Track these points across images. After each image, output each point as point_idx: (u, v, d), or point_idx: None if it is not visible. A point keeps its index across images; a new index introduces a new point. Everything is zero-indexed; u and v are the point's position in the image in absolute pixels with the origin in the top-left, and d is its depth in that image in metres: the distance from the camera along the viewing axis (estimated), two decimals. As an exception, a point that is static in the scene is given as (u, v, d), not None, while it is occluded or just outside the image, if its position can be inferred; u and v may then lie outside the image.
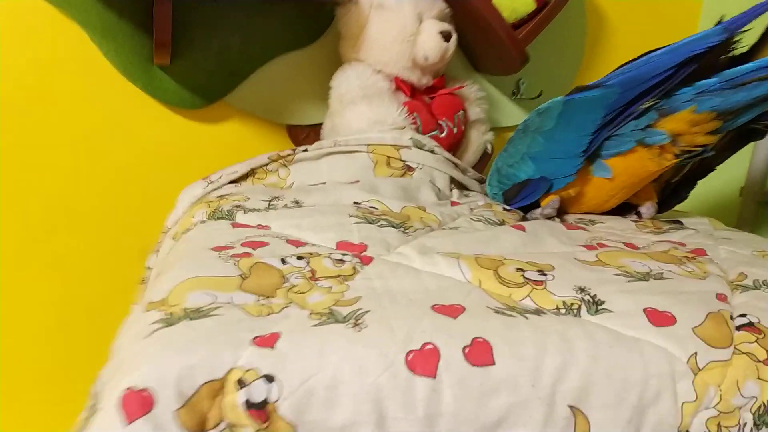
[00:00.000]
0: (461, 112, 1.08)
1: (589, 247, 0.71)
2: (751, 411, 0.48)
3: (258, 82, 1.09)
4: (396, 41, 1.01)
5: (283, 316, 0.47)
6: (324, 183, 0.86)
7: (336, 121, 1.01)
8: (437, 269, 0.58)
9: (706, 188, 1.34)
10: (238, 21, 1.04)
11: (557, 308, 0.53)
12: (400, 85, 1.03)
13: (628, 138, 0.81)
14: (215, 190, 0.85)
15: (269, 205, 0.74)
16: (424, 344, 0.45)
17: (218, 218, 0.70)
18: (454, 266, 0.58)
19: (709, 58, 0.77)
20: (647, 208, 0.92)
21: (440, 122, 1.04)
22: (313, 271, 0.55)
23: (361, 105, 0.97)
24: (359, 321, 0.47)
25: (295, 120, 1.13)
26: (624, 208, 0.93)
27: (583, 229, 0.81)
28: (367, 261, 0.59)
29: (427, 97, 1.07)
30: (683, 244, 0.77)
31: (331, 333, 0.45)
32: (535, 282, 0.56)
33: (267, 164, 0.90)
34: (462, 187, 1.00)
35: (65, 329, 1.08)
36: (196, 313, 0.47)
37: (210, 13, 1.02)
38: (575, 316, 0.52)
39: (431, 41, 1.00)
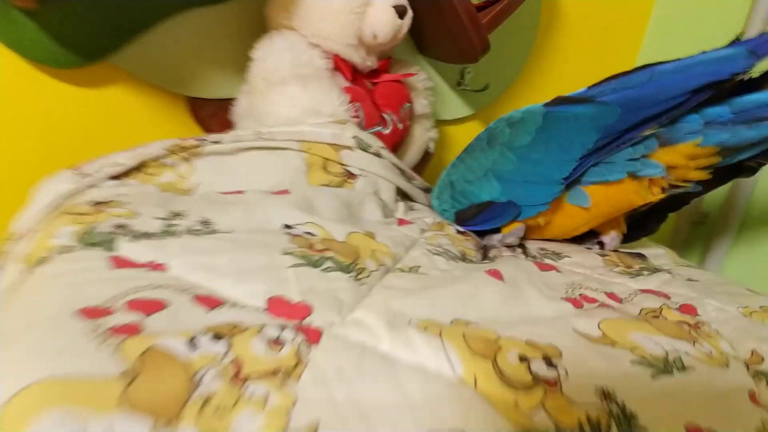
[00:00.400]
0: (408, 104, 0.91)
1: (575, 303, 0.58)
2: None
3: (155, 41, 0.86)
4: (341, 12, 0.81)
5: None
6: (242, 192, 0.66)
7: (257, 103, 0.81)
8: (416, 356, 0.42)
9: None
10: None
11: (581, 426, 0.39)
12: (340, 65, 0.84)
13: (619, 167, 0.69)
14: (90, 188, 0.63)
15: (167, 225, 0.53)
16: None
17: (91, 245, 0.49)
18: (439, 352, 0.42)
19: (729, 82, 0.64)
20: (611, 239, 0.82)
21: (384, 115, 0.87)
22: (237, 364, 0.37)
23: (294, 86, 0.77)
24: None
25: (199, 92, 0.91)
26: (585, 234, 0.81)
27: (556, 270, 0.69)
28: (314, 338, 0.41)
29: (369, 83, 0.89)
30: (667, 296, 0.67)
31: None
32: (547, 382, 0.41)
33: (164, 156, 0.68)
34: (406, 196, 0.84)
35: None
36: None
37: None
38: (607, 442, 0.38)
39: (384, 16, 0.82)
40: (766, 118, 0.64)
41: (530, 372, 0.42)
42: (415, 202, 0.84)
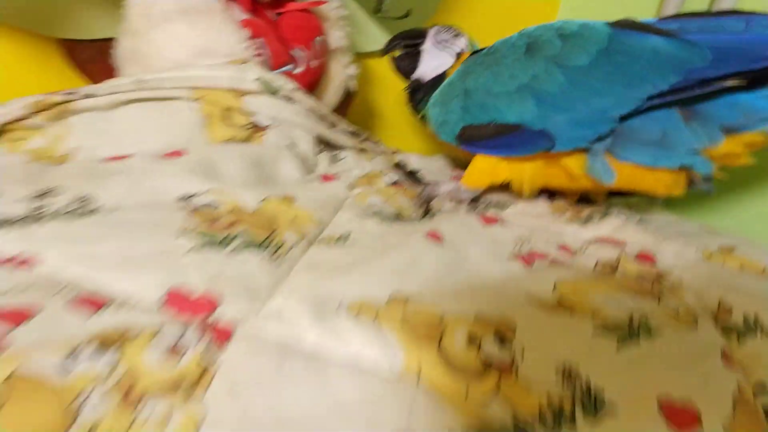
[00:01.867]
0: (320, 37, 0.86)
1: (526, 260, 0.57)
2: None
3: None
4: (231, -74, 0.74)
5: None
6: (127, 156, 0.60)
7: (139, 44, 0.73)
8: (347, 348, 0.39)
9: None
10: None
11: (542, 417, 0.37)
12: (236, -5, 0.77)
13: (676, 157, 0.63)
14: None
15: (36, 209, 0.47)
16: None
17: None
18: (375, 340, 0.39)
19: None
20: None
21: (293, 53, 0.81)
22: (129, 380, 0.33)
23: (179, 23, 0.70)
24: None
25: (74, 33, 0.82)
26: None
27: (500, 221, 0.67)
28: (223, 338, 0.38)
29: (272, 15, 0.83)
30: (621, 243, 0.67)
31: None
32: (501, 365, 0.40)
33: (27, 116, 0.61)
34: (328, 146, 0.80)
35: None
36: None
37: None
38: (571, 429, 0.36)
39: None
40: None
41: (481, 355, 0.40)
42: (339, 149, 0.80)
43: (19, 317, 0.36)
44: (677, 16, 0.66)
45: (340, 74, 0.93)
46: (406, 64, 0.82)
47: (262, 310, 0.41)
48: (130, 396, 0.32)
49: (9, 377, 0.31)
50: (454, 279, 0.51)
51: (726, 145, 0.63)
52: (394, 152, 0.91)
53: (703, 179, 0.67)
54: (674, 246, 0.68)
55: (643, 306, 0.50)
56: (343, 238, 0.55)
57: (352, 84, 0.97)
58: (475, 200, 0.75)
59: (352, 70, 0.96)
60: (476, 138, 0.69)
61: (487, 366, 0.39)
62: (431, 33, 0.81)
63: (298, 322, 0.40)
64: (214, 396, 0.33)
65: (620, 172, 0.65)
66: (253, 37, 0.75)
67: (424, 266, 0.51)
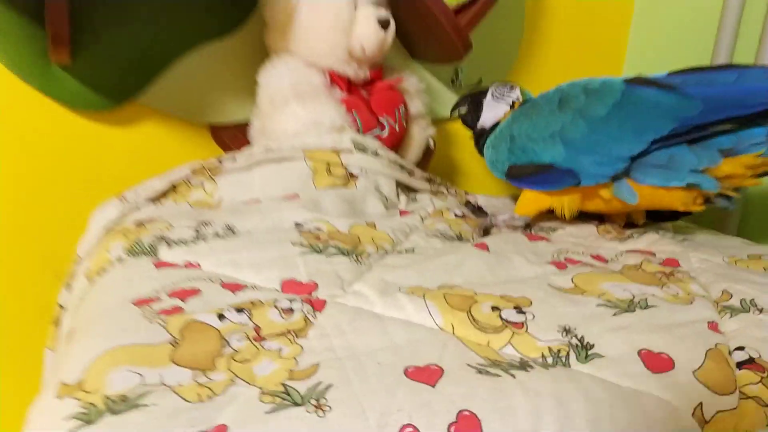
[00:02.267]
0: (402, 107, 1.01)
1: (559, 265, 0.66)
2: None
3: (174, 77, 0.97)
4: (330, 30, 0.91)
5: (228, 398, 0.39)
6: (258, 200, 0.76)
7: (266, 123, 0.91)
8: (403, 314, 0.51)
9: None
10: (147, 9, 0.92)
11: (543, 357, 0.47)
12: (336, 79, 0.94)
13: (681, 176, 0.70)
14: (132, 211, 0.74)
15: (197, 234, 0.64)
16: (403, 428, 0.38)
17: (138, 254, 0.60)
18: (422, 309, 0.51)
19: None
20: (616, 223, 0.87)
21: (381, 120, 0.96)
22: (257, 328, 0.47)
23: (295, 105, 0.87)
24: (321, 402, 0.39)
25: (218, 119, 1.02)
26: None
27: (546, 239, 0.77)
28: (319, 306, 0.51)
29: (364, 92, 0.99)
30: (652, 254, 0.74)
31: (290, 422, 0.37)
32: (515, 324, 0.50)
33: (190, 177, 0.79)
34: (409, 189, 0.93)
35: None
36: (122, 404, 0.38)
37: (114, 1, 0.88)
38: (564, 365, 0.46)
39: (368, 30, 0.92)
40: None
41: (501, 318, 0.51)
42: (417, 192, 0.93)
43: (188, 294, 0.51)
44: (682, 71, 0.74)
45: (420, 135, 1.07)
46: (471, 117, 0.95)
47: (346, 291, 0.54)
48: (257, 337, 0.46)
49: (185, 325, 0.46)
50: (494, 275, 0.62)
51: (726, 166, 0.69)
52: (465, 193, 1.03)
53: (718, 196, 0.74)
54: (701, 254, 0.74)
55: (647, 290, 0.58)
56: (410, 251, 0.67)
57: (431, 142, 1.10)
58: (528, 226, 0.85)
59: (431, 131, 1.10)
60: (520, 175, 0.80)
61: (504, 325, 0.50)
62: (491, 88, 0.93)
63: (368, 297, 0.53)
64: (309, 339, 0.46)
65: (641, 193, 0.73)
66: (349, 110, 0.91)
67: (469, 266, 0.62)
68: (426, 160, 1.11)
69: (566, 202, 0.79)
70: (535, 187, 0.79)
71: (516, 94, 0.91)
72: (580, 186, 0.75)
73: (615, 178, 0.74)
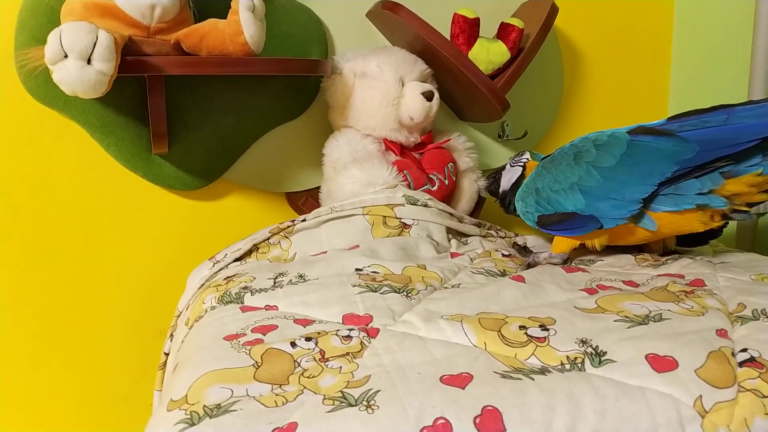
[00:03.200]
0: (451, 164, 1.10)
1: (590, 291, 0.72)
2: (763, 447, 0.48)
3: (254, 155, 1.12)
4: (381, 106, 1.04)
5: (298, 404, 0.48)
6: (325, 252, 0.87)
7: (330, 186, 1.03)
8: (443, 335, 0.59)
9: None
10: (230, 101, 1.08)
11: (562, 364, 0.54)
12: (389, 146, 1.06)
13: (689, 200, 0.78)
14: (221, 270, 0.86)
15: (275, 282, 0.75)
16: (436, 419, 0.46)
17: (227, 302, 0.71)
18: (459, 331, 0.59)
19: None
20: (656, 250, 0.92)
21: (431, 176, 1.06)
22: (322, 352, 0.56)
23: (353, 169, 0.99)
24: (371, 402, 0.48)
25: (292, 187, 1.16)
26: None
27: (583, 270, 0.82)
28: (374, 333, 0.60)
29: (416, 154, 1.10)
30: (682, 276, 0.78)
31: (345, 418, 0.46)
32: (538, 339, 0.57)
33: (269, 238, 0.91)
34: (460, 234, 1.02)
35: (88, 417, 1.09)
36: (217, 410, 0.48)
37: (202, 97, 1.05)
38: (580, 370, 0.53)
39: (414, 103, 1.03)
40: None
41: (526, 335, 0.58)
42: (469, 236, 1.02)
43: (267, 329, 0.62)
44: (679, 116, 0.81)
45: (471, 187, 1.16)
46: (494, 186, 1.05)
47: (396, 321, 0.63)
48: (322, 359, 0.55)
49: (264, 352, 0.56)
50: (528, 302, 0.69)
51: (730, 186, 0.76)
52: (515, 235, 1.10)
53: (734, 212, 0.79)
54: (729, 274, 0.78)
55: (662, 306, 0.63)
56: (455, 286, 0.75)
57: (483, 192, 1.19)
58: (567, 261, 0.91)
59: (482, 183, 1.19)
60: (548, 224, 0.88)
61: (529, 340, 0.57)
62: (508, 161, 1.02)
63: (414, 324, 0.61)
64: (364, 359, 0.55)
65: (659, 221, 0.80)
66: (400, 170, 1.02)
67: (505, 296, 0.69)
68: (479, 209, 1.20)
69: (596, 237, 0.86)
70: (565, 233, 0.86)
71: (526, 157, 1.01)
72: (603, 228, 0.82)
73: (633, 219, 0.80)
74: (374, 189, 0.97)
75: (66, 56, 0.70)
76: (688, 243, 0.94)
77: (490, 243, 1.00)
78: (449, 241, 0.97)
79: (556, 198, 0.85)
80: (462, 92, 1.15)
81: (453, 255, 0.91)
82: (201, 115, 1.06)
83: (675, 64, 1.42)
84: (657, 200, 0.79)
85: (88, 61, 0.71)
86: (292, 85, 1.12)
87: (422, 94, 1.03)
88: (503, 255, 0.93)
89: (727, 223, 0.86)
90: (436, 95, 1.06)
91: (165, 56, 0.84)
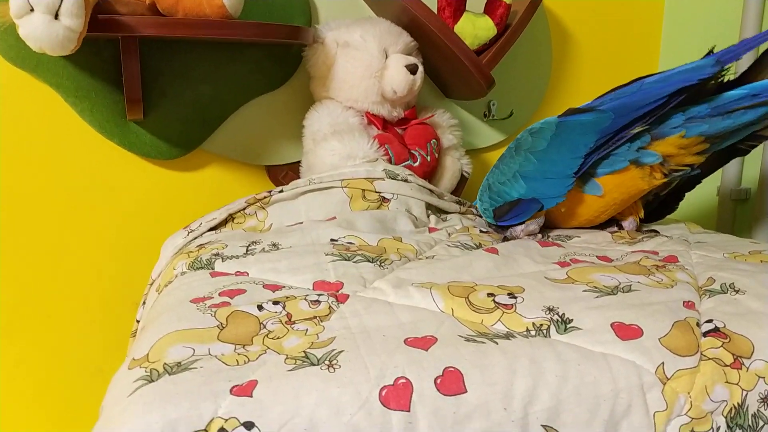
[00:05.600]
0: (434, 140, 1.11)
1: (562, 264, 0.73)
2: (723, 414, 0.50)
3: (233, 126, 1.12)
4: (363, 78, 1.04)
5: (259, 363, 0.49)
6: (302, 222, 0.88)
7: (310, 159, 1.04)
8: (411, 301, 0.60)
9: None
10: (208, 70, 1.07)
11: (527, 330, 0.55)
12: (371, 119, 1.06)
13: (622, 157, 0.83)
14: (195, 238, 0.87)
15: (247, 250, 0.75)
16: (397, 379, 0.47)
17: (198, 268, 0.72)
18: (427, 297, 0.60)
19: (699, 86, 0.79)
20: (629, 223, 0.94)
21: (413, 152, 1.07)
22: (289, 315, 0.57)
23: (333, 141, 0.99)
24: (333, 362, 0.48)
25: (272, 160, 1.16)
26: (606, 222, 0.95)
27: (558, 245, 0.83)
28: (343, 299, 0.60)
29: (399, 129, 1.10)
30: (656, 253, 0.80)
31: (306, 376, 0.47)
32: (505, 306, 0.58)
33: (245, 208, 0.92)
34: (440, 211, 1.02)
35: (62, 389, 1.09)
36: (177, 368, 0.48)
37: (180, 64, 1.04)
38: (545, 336, 0.54)
39: (398, 75, 1.03)
40: (736, 109, 0.79)
41: (494, 302, 0.59)
42: (449, 213, 1.02)
43: (235, 293, 0.62)
44: (602, 95, 0.87)
45: (453, 165, 1.17)
46: None
47: (366, 287, 0.64)
48: (289, 321, 0.56)
49: (230, 315, 0.57)
50: (499, 273, 0.69)
51: (659, 147, 0.83)
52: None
53: (673, 171, 0.85)
54: (703, 252, 0.79)
55: (633, 278, 0.65)
56: (430, 257, 0.76)
57: (467, 171, 1.19)
58: (544, 234, 0.92)
59: (465, 160, 1.19)
60: (501, 215, 0.91)
61: (496, 307, 0.58)
62: None
63: (384, 290, 0.62)
64: (331, 321, 0.56)
65: (605, 185, 0.86)
66: (382, 144, 1.02)
67: (477, 266, 0.70)
68: (462, 187, 1.20)
69: (555, 212, 0.91)
70: (514, 221, 0.90)
71: None
72: (544, 209, 0.87)
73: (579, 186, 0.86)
74: (354, 162, 0.97)
75: (32, 10, 0.69)
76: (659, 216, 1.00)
77: (470, 221, 1.01)
78: (428, 216, 0.97)
79: (503, 189, 0.90)
80: (447, 68, 1.15)
81: (431, 230, 0.91)
82: (179, 83, 1.05)
83: (665, 42, 1.43)
84: (597, 166, 0.85)
85: (56, 16, 0.70)
86: (273, 54, 1.11)
87: (406, 66, 1.03)
88: (481, 231, 0.94)
89: (682, 194, 0.97)
90: (421, 69, 1.06)
91: (139, 16, 0.84)
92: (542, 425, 0.47)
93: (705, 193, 1.37)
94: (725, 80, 0.83)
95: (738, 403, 0.50)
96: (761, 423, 0.50)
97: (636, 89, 0.82)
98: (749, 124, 0.81)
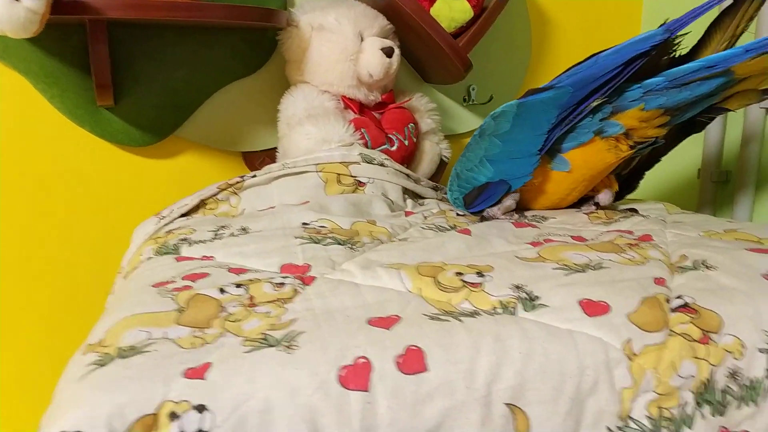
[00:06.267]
0: (411, 124, 1.09)
1: (535, 244, 0.71)
2: (691, 390, 0.48)
3: (208, 112, 1.10)
4: (339, 61, 1.02)
5: (216, 346, 0.47)
6: (274, 207, 0.86)
7: (285, 144, 1.02)
8: (379, 282, 0.58)
9: (668, 173, 1.36)
10: (181, 54, 1.05)
11: (494, 308, 0.53)
12: (348, 103, 1.04)
13: (586, 129, 0.84)
14: (167, 225, 0.85)
15: (215, 235, 0.73)
16: (357, 358, 0.45)
17: (164, 254, 0.70)
18: (395, 277, 0.58)
19: (654, 60, 0.79)
20: (605, 194, 0.93)
21: (390, 136, 1.05)
22: (251, 298, 0.55)
23: (307, 125, 0.97)
24: (292, 343, 0.47)
25: (249, 147, 1.14)
26: (583, 200, 0.94)
27: (533, 226, 0.82)
28: (308, 281, 0.59)
29: (376, 113, 1.08)
30: (631, 232, 0.78)
31: (262, 357, 0.45)
32: (473, 284, 0.56)
33: (217, 194, 0.90)
34: (417, 196, 1.01)
35: (29, 382, 1.07)
36: (130, 351, 0.47)
37: (152, 49, 1.02)
38: (511, 314, 0.52)
39: (373, 58, 1.01)
40: (692, 81, 0.79)
41: (462, 281, 0.57)
42: (426, 198, 1.01)
43: (198, 276, 0.60)
44: (560, 74, 0.88)
45: (432, 149, 1.15)
46: None
47: (335, 269, 0.62)
48: (251, 304, 0.54)
49: (191, 298, 0.55)
50: (471, 253, 0.68)
51: (621, 119, 0.82)
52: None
53: (638, 143, 0.84)
54: (679, 231, 0.78)
55: (604, 256, 0.63)
56: (403, 240, 0.74)
57: (446, 155, 1.18)
58: (521, 214, 0.90)
59: (444, 145, 1.18)
60: (471, 201, 0.91)
61: (463, 286, 0.56)
62: None
63: (352, 272, 0.60)
64: (294, 303, 0.54)
65: (572, 160, 0.85)
66: (358, 128, 1.00)
67: (449, 247, 0.69)
68: (441, 172, 1.19)
69: (527, 190, 0.90)
70: (483, 206, 0.89)
71: None
72: (512, 190, 0.87)
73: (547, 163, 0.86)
74: (329, 146, 0.95)
75: (-9, -9, 0.67)
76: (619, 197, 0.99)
77: (447, 204, 0.99)
78: (405, 201, 0.95)
79: (471, 176, 0.90)
80: (425, 51, 1.13)
81: (408, 214, 0.90)
82: (151, 68, 1.03)
83: (645, 24, 1.42)
84: (562, 141, 0.85)
85: (18, -2, 0.68)
86: (249, 38, 1.09)
87: (382, 50, 1.01)
88: (458, 214, 0.92)
89: (642, 174, 0.96)
90: (397, 52, 1.04)
91: (105, -2, 0.81)
92: (506, 403, 0.45)
93: (686, 175, 1.37)
94: (677, 55, 0.85)
95: (706, 379, 0.49)
96: (729, 398, 0.49)
97: (592, 63, 0.83)
98: (706, 96, 0.81)
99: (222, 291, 0.56)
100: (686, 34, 0.81)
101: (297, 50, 1.04)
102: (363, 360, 0.45)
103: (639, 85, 0.81)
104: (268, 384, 0.43)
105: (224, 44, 1.07)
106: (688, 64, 0.79)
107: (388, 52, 1.03)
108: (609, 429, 0.47)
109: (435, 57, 1.12)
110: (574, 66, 0.87)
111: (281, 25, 1.01)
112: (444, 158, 1.18)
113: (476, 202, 0.91)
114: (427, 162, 1.14)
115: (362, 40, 1.04)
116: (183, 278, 0.60)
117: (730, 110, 0.87)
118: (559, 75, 0.88)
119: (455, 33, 1.11)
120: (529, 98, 0.87)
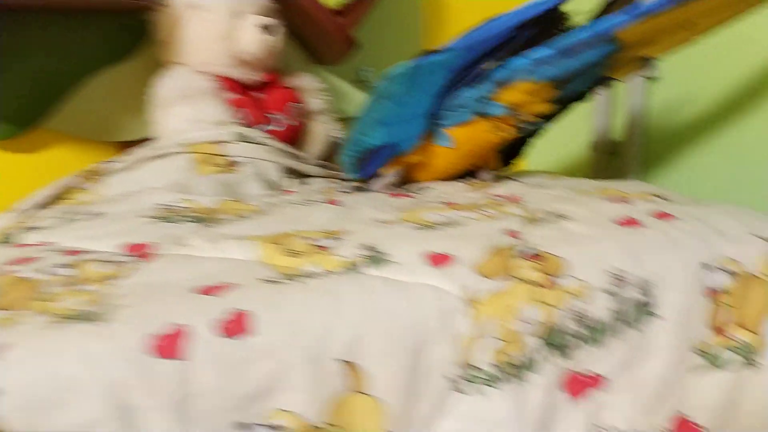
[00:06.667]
0: (296, 104, 1.06)
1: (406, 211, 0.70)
2: (535, 335, 0.47)
3: (80, 101, 1.03)
4: (213, 40, 0.97)
5: (22, 325, 0.43)
6: (138, 191, 0.81)
7: (155, 128, 0.97)
8: (225, 254, 0.55)
9: (563, 146, 1.39)
10: (47, 39, 0.98)
11: (340, 268, 0.51)
12: (226, 83, 1.00)
13: (467, 110, 0.82)
14: (23, 218, 0.78)
15: (62, 221, 0.68)
16: (174, 327, 0.42)
17: (3, 243, 0.64)
18: (243, 247, 0.55)
19: (547, 34, 0.79)
20: (486, 173, 0.92)
21: (272, 116, 1.01)
22: (78, 277, 0.51)
23: (180, 106, 0.93)
24: (105, 317, 0.43)
25: (126, 136, 1.07)
26: (466, 175, 0.93)
27: (410, 196, 0.81)
28: (147, 258, 0.55)
29: (259, 93, 1.04)
30: (501, 195, 0.78)
31: (67, 333, 0.41)
32: (322, 247, 0.54)
33: (78, 182, 0.84)
34: (303, 176, 0.98)
35: None
36: None
37: (11, 33, 0.95)
38: (356, 272, 0.50)
39: (250, 36, 0.98)
40: (579, 47, 0.78)
41: (312, 245, 0.55)
42: (312, 177, 0.98)
43: (26, 261, 0.55)
44: (459, 35, 0.85)
45: (322, 130, 1.12)
46: None
47: (181, 245, 0.58)
48: (75, 284, 0.50)
49: (10, 282, 0.50)
50: (337, 223, 0.65)
51: (508, 95, 0.80)
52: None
53: (524, 123, 0.84)
54: (548, 191, 0.78)
55: (462, 214, 0.62)
56: (264, 213, 0.71)
57: (335, 136, 1.15)
58: (403, 185, 0.89)
59: (335, 126, 1.15)
60: (363, 165, 0.89)
61: (313, 249, 0.54)
62: None
63: (198, 247, 0.57)
64: (127, 279, 0.50)
65: (456, 136, 0.84)
66: (238, 108, 0.97)
67: (315, 217, 0.66)
68: (334, 153, 1.16)
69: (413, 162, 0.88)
70: (373, 169, 0.88)
71: None
72: (404, 153, 0.85)
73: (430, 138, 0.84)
74: (202, 126, 0.91)
75: None
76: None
77: (335, 184, 0.96)
78: (286, 180, 0.92)
79: (364, 139, 0.88)
80: (308, 30, 1.11)
81: (286, 192, 0.87)
82: (10, 55, 0.95)
83: None
84: (445, 118, 0.83)
85: None
86: (121, 21, 1.03)
87: (260, 26, 0.98)
88: (342, 190, 0.89)
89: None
90: (280, 31, 1.00)
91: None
92: (340, 360, 0.43)
93: (579, 147, 1.39)
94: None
95: (551, 323, 0.48)
96: (575, 340, 0.48)
97: (485, 26, 0.83)
98: (593, 65, 0.80)
99: (46, 273, 0.51)
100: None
101: (170, 30, 0.99)
102: (181, 328, 0.41)
103: (527, 57, 0.79)
104: (69, 360, 0.39)
105: (92, 28, 1.01)
106: (574, 30, 0.79)
107: (267, 30, 0.99)
108: (449, 378, 0.45)
109: (319, 36, 1.09)
110: (469, 29, 0.86)
111: (152, 5, 0.96)
112: (335, 139, 1.15)
113: (368, 165, 0.89)
114: (318, 142, 1.11)
115: (239, 18, 1.00)
116: (9, 263, 0.55)
117: (616, 80, 0.87)
118: (459, 36, 0.86)
119: (340, 10, 1.08)
120: (422, 59, 0.84)
